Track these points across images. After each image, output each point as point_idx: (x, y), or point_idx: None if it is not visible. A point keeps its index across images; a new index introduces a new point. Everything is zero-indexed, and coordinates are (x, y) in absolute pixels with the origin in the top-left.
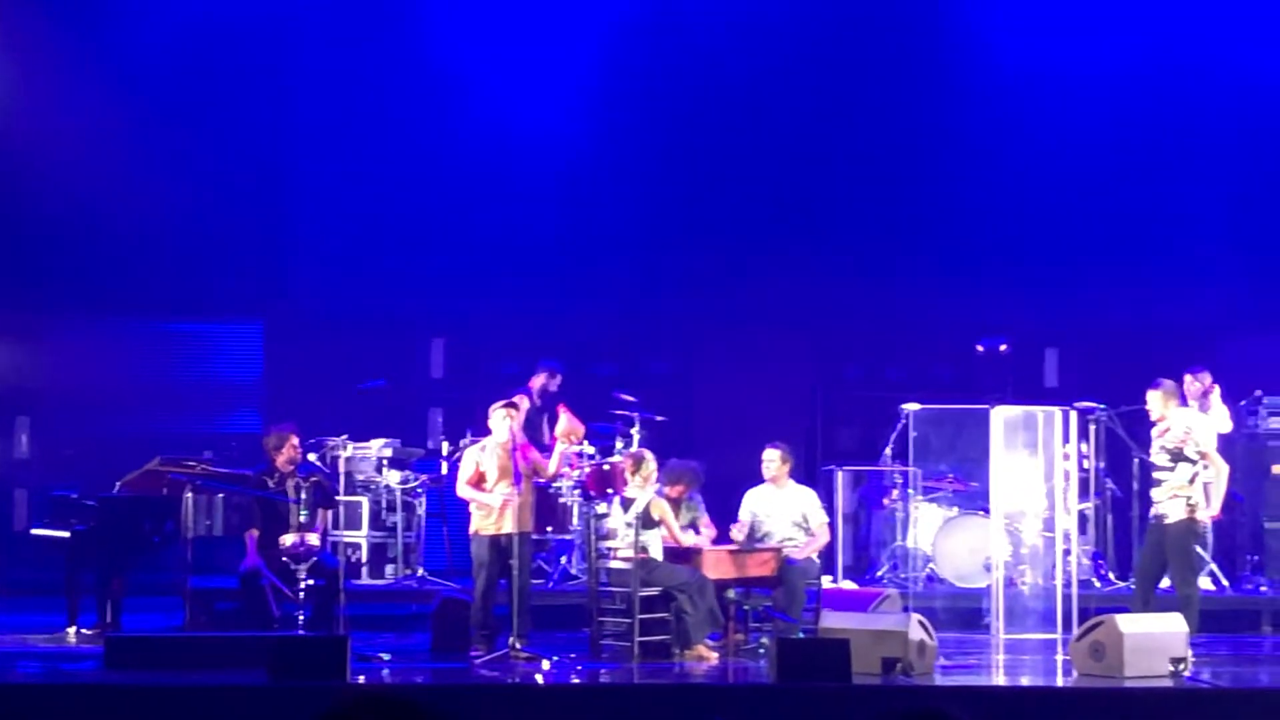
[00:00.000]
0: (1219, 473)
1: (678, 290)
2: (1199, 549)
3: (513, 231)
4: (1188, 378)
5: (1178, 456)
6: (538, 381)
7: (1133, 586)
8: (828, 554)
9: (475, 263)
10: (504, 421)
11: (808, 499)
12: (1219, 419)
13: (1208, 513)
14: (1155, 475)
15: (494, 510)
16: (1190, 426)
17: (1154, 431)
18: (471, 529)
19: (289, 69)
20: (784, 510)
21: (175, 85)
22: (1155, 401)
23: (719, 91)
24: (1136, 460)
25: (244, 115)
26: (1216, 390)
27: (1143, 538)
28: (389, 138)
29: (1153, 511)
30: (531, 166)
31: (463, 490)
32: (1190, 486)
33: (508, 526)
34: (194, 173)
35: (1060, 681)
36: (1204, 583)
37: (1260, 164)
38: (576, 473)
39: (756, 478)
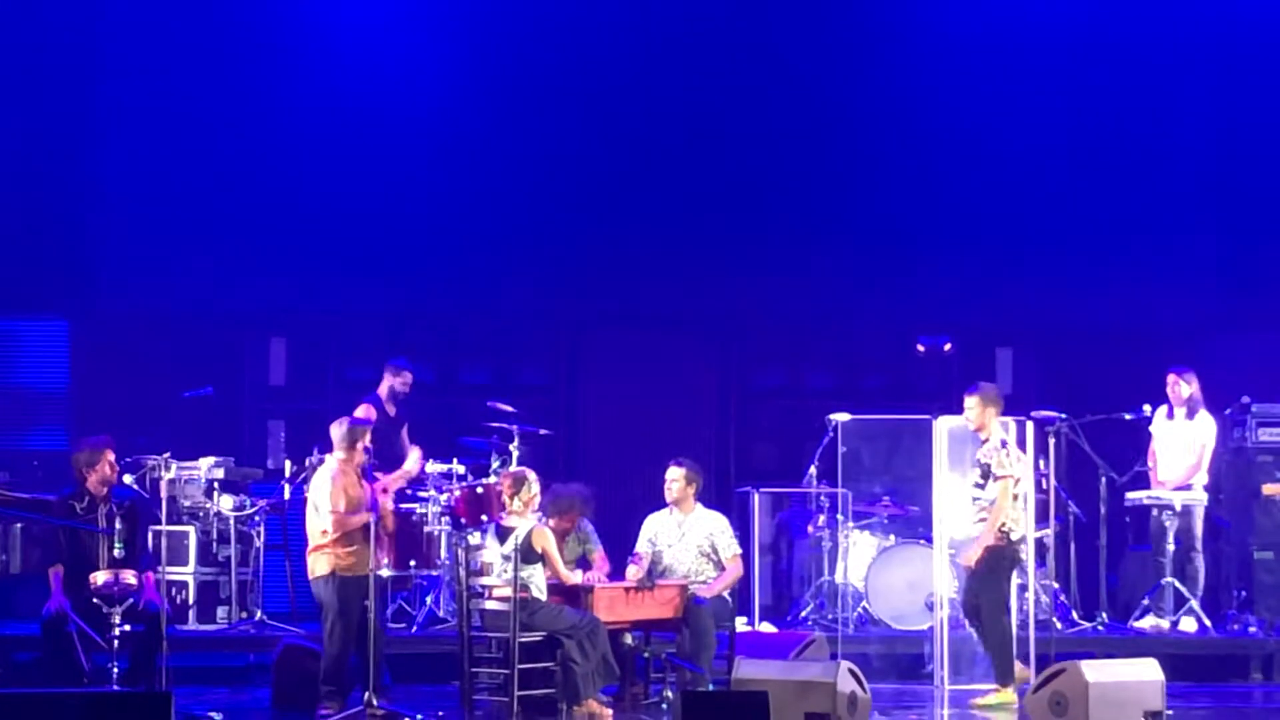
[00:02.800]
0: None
1: (560, 284)
2: (1014, 576)
3: (365, 215)
4: (1171, 378)
5: (987, 473)
6: (385, 385)
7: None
8: (742, 591)
9: (321, 251)
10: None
11: (717, 526)
12: (1205, 431)
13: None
14: (971, 494)
15: (338, 545)
16: (1006, 441)
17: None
18: (327, 568)
19: (100, 35)
20: (690, 539)
21: None
22: (973, 408)
23: (610, 63)
24: (1103, 478)
25: (45, 83)
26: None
27: (1113, 569)
28: (218, 104)
29: (962, 535)
30: (389, 136)
31: (342, 522)
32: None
33: (356, 566)
34: None
35: None
36: (1187, 624)
37: (1240, 148)
38: (444, 496)
39: (655, 502)
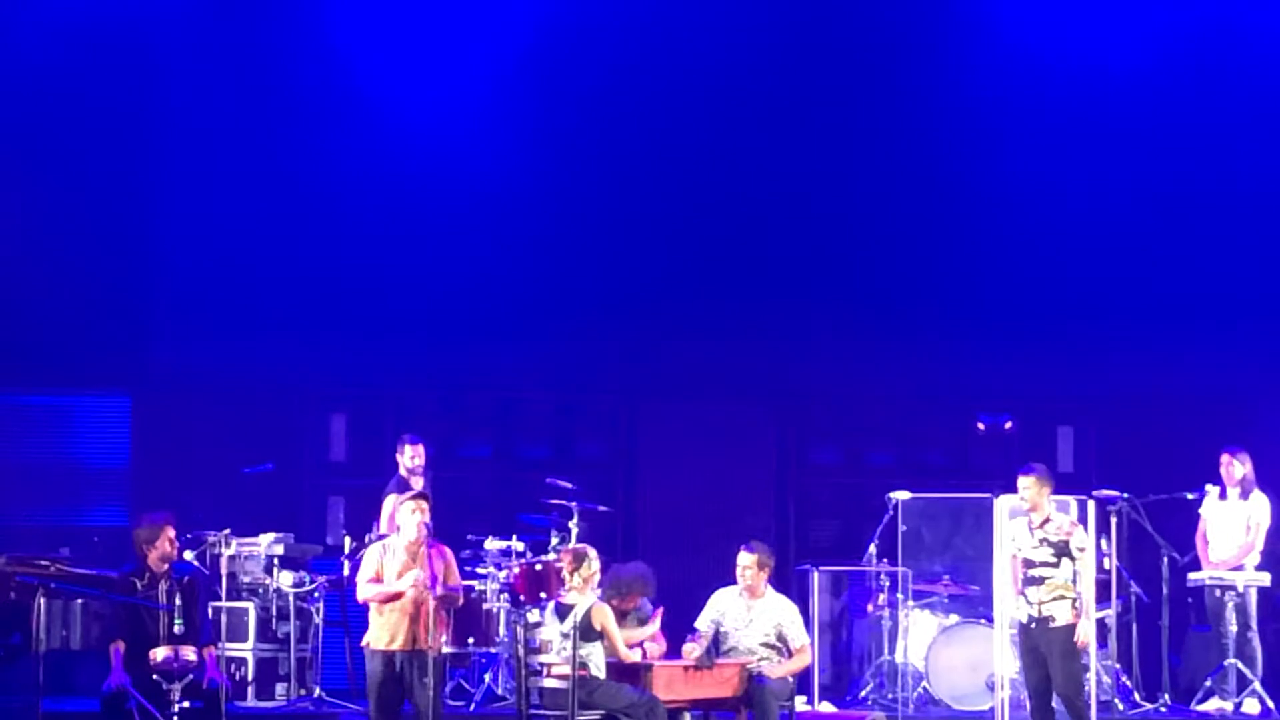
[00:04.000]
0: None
1: (619, 359)
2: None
3: (425, 290)
4: (1225, 458)
5: (1061, 551)
6: (401, 461)
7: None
8: (803, 671)
9: (380, 326)
10: (412, 516)
11: (787, 613)
12: (1260, 510)
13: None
14: (1032, 573)
15: (388, 620)
16: (1074, 520)
17: (1032, 522)
18: (363, 641)
19: (155, 104)
20: (758, 625)
21: (23, 128)
22: (1029, 488)
23: (674, 133)
24: (1165, 558)
25: (106, 157)
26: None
27: (1175, 650)
28: (279, 177)
29: (1030, 614)
30: (448, 214)
31: (364, 592)
32: (1075, 586)
33: (403, 641)
34: (49, 223)
35: None
36: (1250, 706)
37: None
38: (503, 573)
39: (713, 578)
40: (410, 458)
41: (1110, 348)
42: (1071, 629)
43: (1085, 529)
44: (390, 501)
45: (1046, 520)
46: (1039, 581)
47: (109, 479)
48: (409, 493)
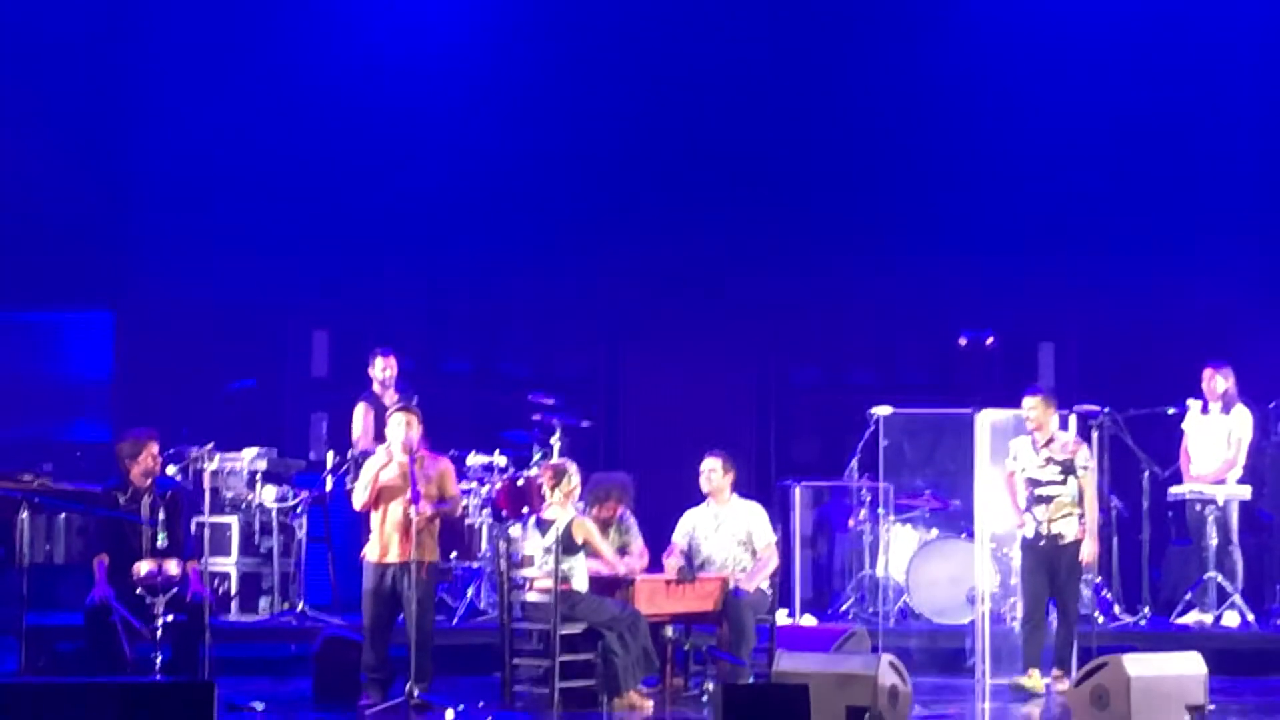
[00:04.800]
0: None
1: (602, 277)
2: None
3: (409, 206)
4: (1208, 372)
5: (1067, 469)
6: (372, 374)
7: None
8: (783, 585)
9: (364, 243)
10: (399, 429)
11: (754, 515)
12: (1241, 424)
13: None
14: (1039, 492)
15: (383, 532)
16: (1078, 438)
17: (1037, 441)
18: (362, 553)
19: (136, 20)
20: (726, 530)
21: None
22: (1035, 408)
23: (653, 57)
24: (1146, 473)
25: (89, 74)
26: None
27: (1155, 564)
28: (263, 96)
29: (1038, 531)
30: (434, 128)
31: (358, 496)
32: (1082, 503)
33: (395, 554)
34: (33, 140)
35: None
36: (1230, 618)
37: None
38: (485, 488)
39: (695, 494)
40: (381, 369)
41: (1093, 264)
42: (1078, 545)
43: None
44: (360, 410)
45: (1051, 439)
46: (1047, 500)
47: (92, 395)
48: (398, 404)
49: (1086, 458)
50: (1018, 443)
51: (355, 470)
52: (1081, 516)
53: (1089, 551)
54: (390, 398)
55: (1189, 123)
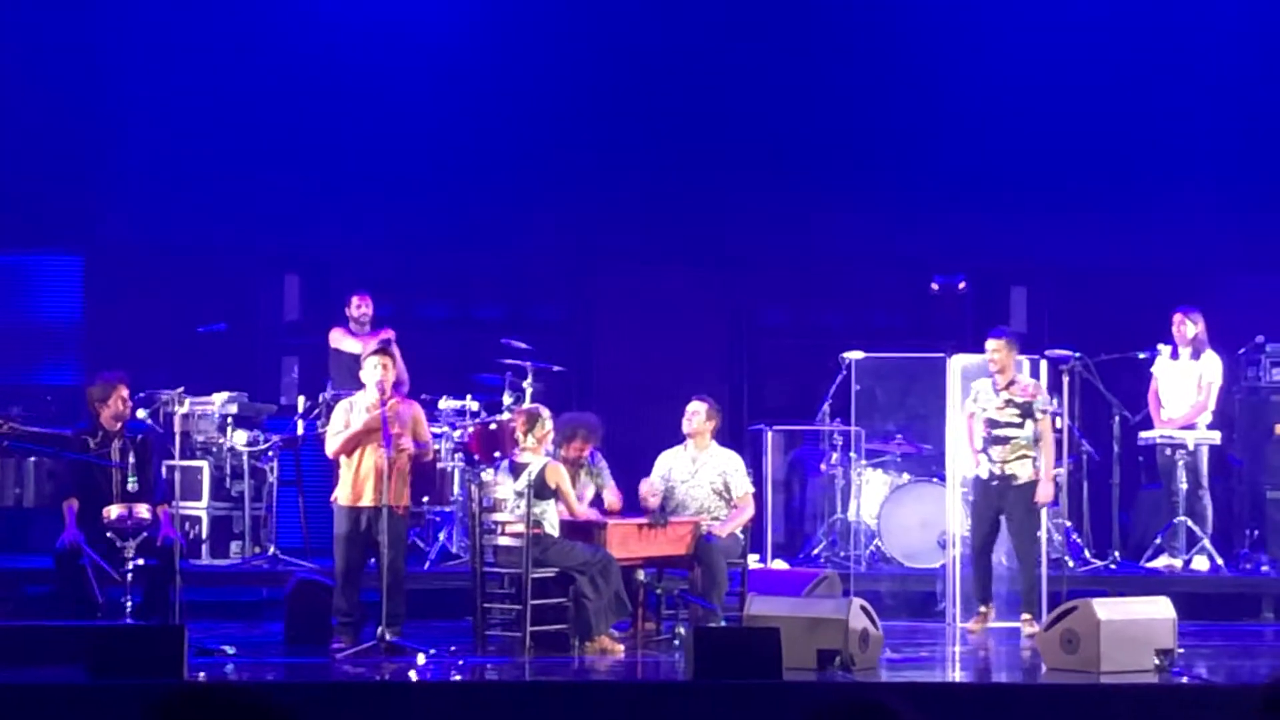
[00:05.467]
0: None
1: (575, 220)
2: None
3: (381, 151)
4: (1178, 317)
5: (1026, 412)
6: (348, 313)
7: (970, 562)
8: (755, 529)
9: (336, 187)
10: (374, 373)
11: (731, 464)
12: (1211, 369)
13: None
14: (997, 433)
15: (355, 476)
16: (1038, 382)
17: (997, 383)
18: (332, 497)
19: None
20: (703, 476)
21: None
22: (999, 350)
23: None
24: (1117, 417)
25: (55, 17)
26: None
27: (1125, 508)
28: (232, 35)
29: (991, 471)
30: (404, 70)
31: (331, 444)
32: (1038, 446)
33: (368, 498)
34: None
35: (1026, 677)
36: (1199, 562)
37: (1257, 88)
38: (458, 432)
39: (668, 438)
40: (355, 307)
41: (1065, 209)
42: (1033, 487)
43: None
44: (336, 334)
45: (1012, 382)
46: (1004, 441)
47: (62, 338)
48: (375, 346)
49: (1045, 402)
50: (979, 384)
51: (327, 414)
52: (1037, 460)
53: (1044, 493)
54: (364, 334)
55: (1162, 68)
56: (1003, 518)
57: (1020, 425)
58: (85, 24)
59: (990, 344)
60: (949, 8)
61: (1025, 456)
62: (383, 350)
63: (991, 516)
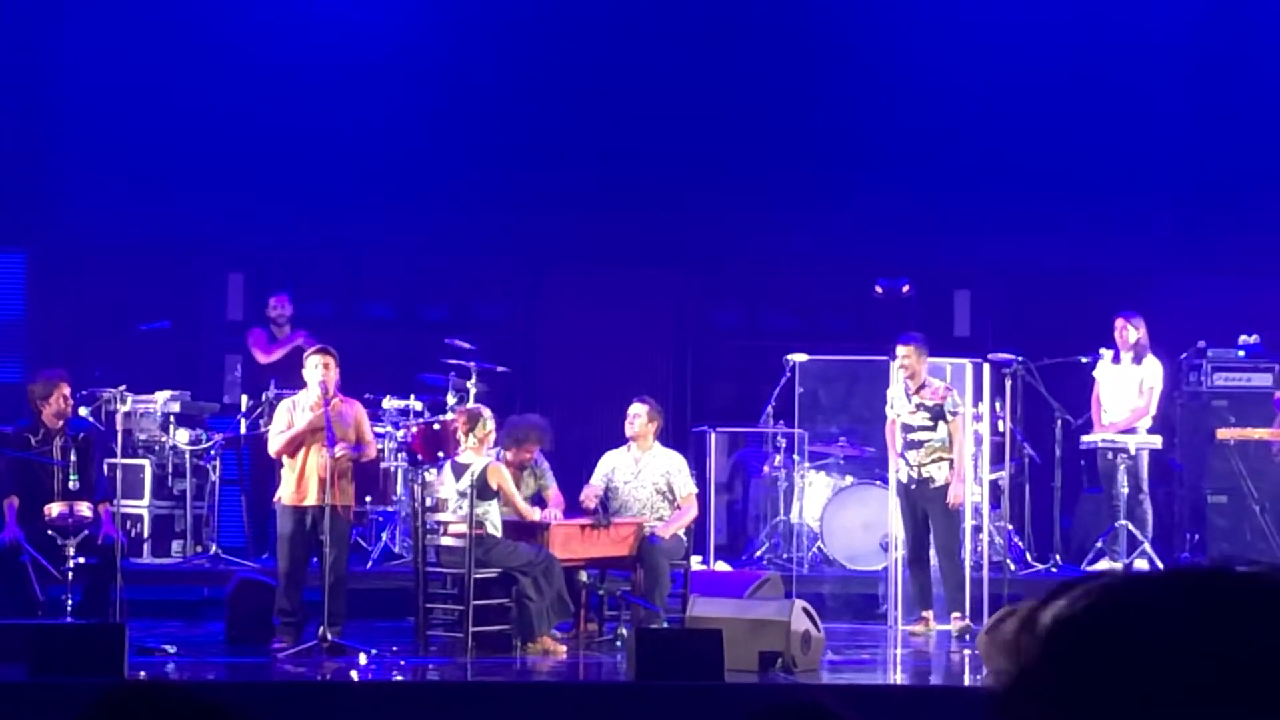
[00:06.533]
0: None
1: (520, 221)
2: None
3: (323, 147)
4: (1119, 322)
5: (937, 415)
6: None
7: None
8: (698, 530)
9: (280, 185)
10: (315, 372)
11: (674, 465)
12: (1152, 374)
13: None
14: (911, 437)
15: (298, 476)
16: (948, 385)
17: (909, 388)
18: (275, 496)
19: None
20: (646, 476)
21: None
22: (910, 356)
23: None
24: (1059, 421)
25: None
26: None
27: (1067, 511)
28: (178, 34)
29: (910, 475)
30: (349, 69)
31: (274, 444)
32: (952, 448)
33: (312, 497)
34: None
35: (967, 680)
36: (1140, 566)
37: (1195, 92)
38: (401, 432)
39: (611, 441)
40: (272, 308)
41: (1009, 213)
42: (948, 489)
43: (962, 394)
44: (251, 338)
45: (923, 386)
46: (918, 445)
47: (3, 335)
48: (316, 346)
49: (955, 404)
50: (893, 390)
51: (269, 413)
52: (952, 462)
53: (955, 494)
54: (280, 333)
55: (1107, 74)
56: (928, 520)
57: (933, 428)
58: (28, 18)
59: (900, 350)
60: (897, 15)
61: (941, 459)
62: (324, 350)
63: (918, 520)
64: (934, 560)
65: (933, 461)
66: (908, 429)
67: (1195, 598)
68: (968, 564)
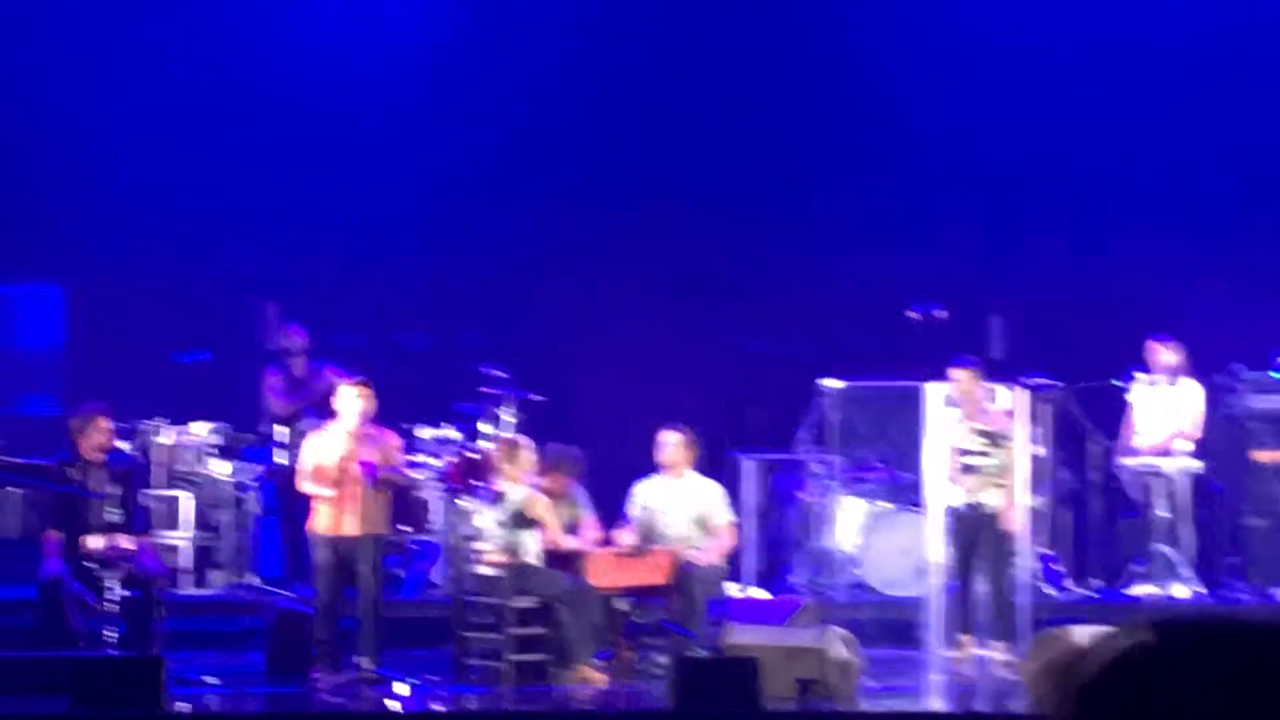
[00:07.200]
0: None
1: (556, 250)
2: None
3: (360, 179)
4: (1155, 346)
5: (992, 440)
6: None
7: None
8: (734, 558)
9: (318, 215)
10: (354, 402)
11: (711, 494)
12: (1192, 397)
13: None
14: (965, 461)
15: (334, 506)
16: (1004, 410)
17: (964, 412)
18: (309, 527)
19: None
20: (683, 505)
21: None
22: (965, 380)
23: (605, 15)
24: (1095, 446)
25: (41, 48)
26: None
27: (1105, 536)
28: (213, 63)
29: (965, 501)
30: (384, 96)
31: (303, 481)
32: (1009, 474)
33: (349, 527)
34: None
35: (1007, 706)
36: (1179, 591)
37: (1226, 114)
38: (438, 461)
39: (646, 469)
40: (285, 339)
41: (1043, 236)
42: (1004, 515)
43: (1014, 417)
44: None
45: (980, 410)
46: (974, 470)
47: (42, 368)
48: (355, 379)
49: (1012, 429)
50: (948, 413)
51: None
52: (1007, 488)
53: (1012, 521)
54: (296, 365)
55: (1138, 95)
56: (979, 546)
57: (988, 454)
58: (68, 52)
59: (954, 373)
60: (925, 38)
61: (997, 485)
62: (362, 381)
63: (967, 545)
64: (978, 586)
65: (988, 487)
66: (962, 453)
67: (1223, 660)
68: (1025, 594)
